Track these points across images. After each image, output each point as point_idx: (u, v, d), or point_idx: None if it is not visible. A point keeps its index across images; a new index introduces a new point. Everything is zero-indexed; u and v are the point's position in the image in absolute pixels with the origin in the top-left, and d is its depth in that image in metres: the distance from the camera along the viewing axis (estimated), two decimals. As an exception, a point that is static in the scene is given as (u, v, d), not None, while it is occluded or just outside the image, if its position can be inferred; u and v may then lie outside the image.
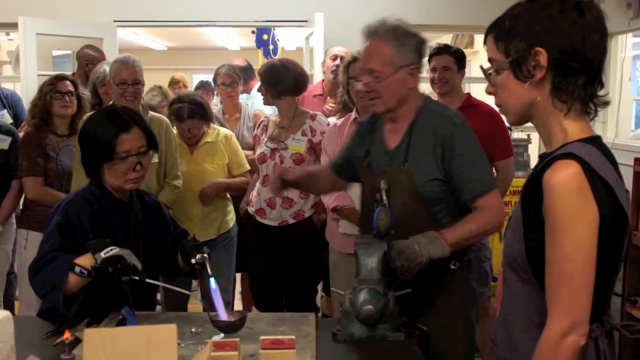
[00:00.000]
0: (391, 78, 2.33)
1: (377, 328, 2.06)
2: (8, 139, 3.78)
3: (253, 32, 7.83)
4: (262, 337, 1.88)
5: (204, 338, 2.05)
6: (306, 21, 5.91)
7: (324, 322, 2.28)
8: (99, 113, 2.54)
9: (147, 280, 2.15)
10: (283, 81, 3.57)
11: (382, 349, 2.02)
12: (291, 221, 3.61)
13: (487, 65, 1.57)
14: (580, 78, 1.45)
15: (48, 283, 2.16)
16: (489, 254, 3.75)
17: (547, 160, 1.44)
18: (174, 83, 6.65)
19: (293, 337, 1.89)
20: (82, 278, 2.11)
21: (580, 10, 1.44)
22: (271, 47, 7.76)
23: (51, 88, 3.65)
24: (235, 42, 12.11)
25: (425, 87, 3.73)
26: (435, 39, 10.31)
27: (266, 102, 3.74)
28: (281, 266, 3.67)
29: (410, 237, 2.17)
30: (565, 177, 1.38)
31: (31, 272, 2.22)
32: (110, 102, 3.59)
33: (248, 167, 3.93)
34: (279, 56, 7.59)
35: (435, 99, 3.87)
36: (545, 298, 1.43)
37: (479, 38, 6.71)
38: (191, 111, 3.70)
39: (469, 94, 3.98)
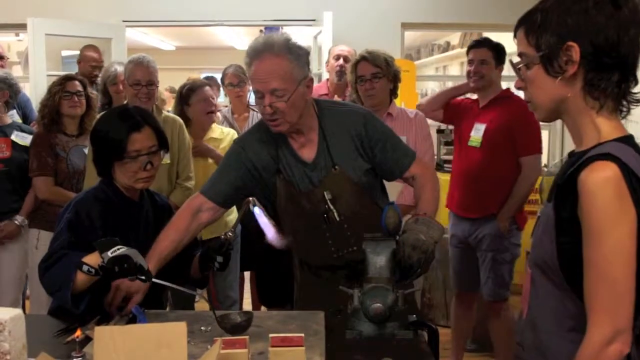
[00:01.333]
0: (295, 94, 2.24)
1: (386, 326, 2.06)
2: (29, 137, 3.82)
3: (261, 31, 7.82)
4: (271, 335, 1.88)
5: (213, 336, 2.06)
6: (314, 20, 5.92)
7: (333, 320, 2.28)
8: (111, 112, 2.55)
9: (154, 280, 2.16)
10: None
11: (391, 347, 2.01)
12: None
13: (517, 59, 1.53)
14: (614, 74, 1.41)
15: (56, 281, 2.17)
16: (509, 257, 3.69)
17: (582, 160, 1.39)
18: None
19: (302, 334, 1.89)
20: (89, 276, 2.12)
21: (616, 4, 1.39)
22: (279, 46, 7.76)
23: (60, 88, 3.68)
24: (244, 41, 12.12)
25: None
26: (443, 37, 10.35)
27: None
28: (289, 264, 3.67)
29: (405, 228, 2.20)
30: (604, 179, 1.33)
31: (41, 270, 2.24)
32: (125, 102, 3.61)
33: None
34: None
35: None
36: (577, 302, 1.39)
37: (487, 36, 6.68)
38: (204, 81, 3.92)
39: (507, 88, 3.88)
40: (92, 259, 2.12)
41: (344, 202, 2.35)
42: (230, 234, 2.35)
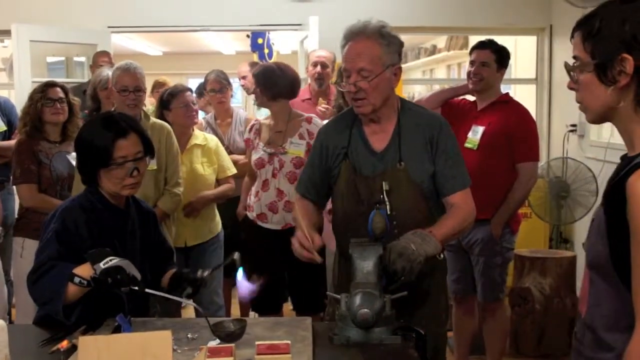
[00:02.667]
0: (380, 77, 2.34)
1: (374, 332, 2.06)
2: None
3: (248, 36, 7.84)
4: (257, 342, 1.88)
5: (199, 344, 2.05)
6: (301, 25, 5.92)
7: (320, 326, 2.27)
8: (96, 119, 2.54)
9: (147, 290, 2.16)
10: (280, 84, 3.57)
11: (379, 353, 2.01)
12: (294, 224, 3.59)
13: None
14: None
15: (47, 292, 2.16)
16: (500, 261, 3.68)
17: (631, 166, 1.41)
18: (158, 86, 6.58)
19: (288, 341, 1.88)
20: (81, 288, 2.13)
21: None
22: (266, 50, 7.77)
23: (42, 95, 3.65)
24: (231, 46, 12.12)
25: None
26: (429, 41, 10.38)
27: (260, 104, 3.75)
28: (283, 269, 3.66)
29: (400, 238, 2.21)
30: None
31: (30, 281, 2.22)
32: (113, 108, 3.59)
33: (234, 170, 4.00)
34: (274, 60, 7.60)
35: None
36: (632, 300, 1.42)
37: (473, 39, 6.71)
38: (185, 87, 3.95)
39: (506, 93, 3.86)
40: (84, 271, 2.12)
41: (399, 197, 2.37)
42: (206, 274, 2.39)
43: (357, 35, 2.38)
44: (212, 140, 4.00)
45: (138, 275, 2.13)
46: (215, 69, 4.82)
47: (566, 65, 1.55)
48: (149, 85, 3.76)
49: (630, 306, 1.42)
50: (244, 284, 2.39)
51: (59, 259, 2.20)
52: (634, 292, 1.40)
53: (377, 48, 2.35)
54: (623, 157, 1.53)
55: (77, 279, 2.11)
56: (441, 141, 2.43)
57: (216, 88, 4.60)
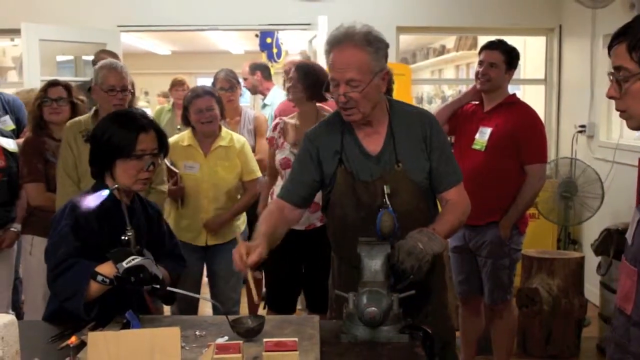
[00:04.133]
0: (369, 85, 2.29)
1: (381, 330, 2.06)
2: (12, 140, 3.79)
3: (257, 35, 7.85)
4: (265, 340, 1.88)
5: (207, 341, 2.05)
6: (309, 24, 5.93)
7: (328, 324, 2.28)
8: (117, 114, 2.56)
9: (168, 288, 2.21)
10: (319, 84, 3.45)
11: (386, 351, 2.01)
12: (318, 224, 3.56)
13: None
14: None
15: (69, 289, 2.19)
16: (508, 262, 3.67)
17: None
18: (177, 85, 6.63)
19: (296, 339, 1.89)
20: (103, 286, 2.17)
21: None
22: (275, 50, 7.78)
23: (42, 95, 3.66)
24: (239, 45, 12.15)
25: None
26: (438, 41, 10.38)
27: (295, 100, 3.61)
28: (306, 268, 3.65)
29: (406, 236, 2.20)
30: None
31: (50, 277, 2.25)
32: (94, 108, 3.50)
33: (259, 174, 3.90)
34: (282, 59, 7.61)
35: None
36: None
37: (482, 40, 6.70)
38: (206, 90, 3.79)
39: (513, 94, 3.81)
40: (106, 269, 2.16)
41: (401, 199, 2.35)
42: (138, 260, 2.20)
43: (342, 43, 2.28)
44: (239, 141, 3.88)
45: (160, 274, 2.18)
46: (225, 68, 4.83)
47: (613, 75, 1.57)
48: (167, 83, 3.74)
49: None
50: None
51: (77, 254, 2.23)
52: None
53: (365, 56, 2.27)
54: None
55: (99, 277, 2.15)
56: (434, 137, 2.42)
57: (225, 87, 4.62)
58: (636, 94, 1.52)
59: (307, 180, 2.48)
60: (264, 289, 4.07)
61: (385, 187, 2.32)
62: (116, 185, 2.35)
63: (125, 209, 2.35)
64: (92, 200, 2.25)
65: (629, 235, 1.62)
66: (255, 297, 4.57)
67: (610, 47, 1.58)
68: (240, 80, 5.45)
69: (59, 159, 3.41)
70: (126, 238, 2.27)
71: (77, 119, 3.50)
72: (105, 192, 2.26)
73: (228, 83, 4.63)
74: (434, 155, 2.41)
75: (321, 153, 2.46)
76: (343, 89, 2.28)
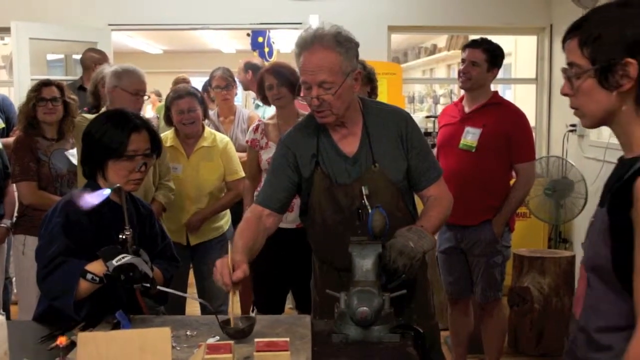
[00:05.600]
0: (342, 86, 2.26)
1: (373, 330, 2.06)
2: None
3: (248, 34, 7.83)
4: (256, 340, 1.88)
5: (198, 341, 2.05)
6: (301, 23, 5.92)
7: (319, 324, 2.27)
8: (109, 113, 2.56)
9: (159, 287, 2.19)
10: (297, 79, 3.44)
11: (378, 351, 2.01)
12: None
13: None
14: None
15: (58, 288, 2.18)
16: (500, 260, 3.68)
17: (637, 168, 1.40)
18: (180, 83, 6.60)
19: (287, 339, 1.88)
20: (92, 284, 2.15)
21: None
22: (267, 49, 7.76)
23: (35, 95, 3.65)
24: (231, 44, 12.13)
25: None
26: (429, 40, 10.39)
27: (285, 105, 3.59)
28: (294, 268, 3.65)
29: (396, 235, 2.20)
30: None
31: (40, 276, 2.23)
32: (106, 106, 3.56)
33: (242, 174, 3.89)
34: (274, 58, 7.59)
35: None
36: (632, 303, 1.40)
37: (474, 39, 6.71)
38: (188, 91, 3.79)
39: (495, 92, 3.78)
40: (96, 267, 2.15)
41: (378, 199, 2.32)
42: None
43: (312, 45, 2.25)
44: (222, 142, 3.89)
45: (150, 273, 2.17)
46: (222, 66, 4.84)
47: (566, 71, 1.53)
48: (158, 82, 3.76)
49: (627, 308, 1.42)
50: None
51: (67, 253, 2.21)
52: (636, 293, 1.38)
53: (335, 57, 2.24)
54: (621, 159, 1.53)
55: (89, 276, 2.14)
56: (410, 135, 2.40)
57: (222, 85, 4.62)
58: (588, 92, 1.47)
59: (286, 185, 2.45)
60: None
61: (363, 188, 2.31)
62: (117, 185, 2.34)
63: (125, 209, 2.34)
64: (92, 199, 2.23)
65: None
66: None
67: (564, 42, 1.53)
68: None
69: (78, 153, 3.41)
70: (124, 237, 2.25)
71: (84, 115, 3.54)
72: (107, 192, 2.24)
73: (224, 81, 4.63)
74: (412, 154, 2.40)
75: (298, 158, 2.44)
76: (316, 91, 2.26)
